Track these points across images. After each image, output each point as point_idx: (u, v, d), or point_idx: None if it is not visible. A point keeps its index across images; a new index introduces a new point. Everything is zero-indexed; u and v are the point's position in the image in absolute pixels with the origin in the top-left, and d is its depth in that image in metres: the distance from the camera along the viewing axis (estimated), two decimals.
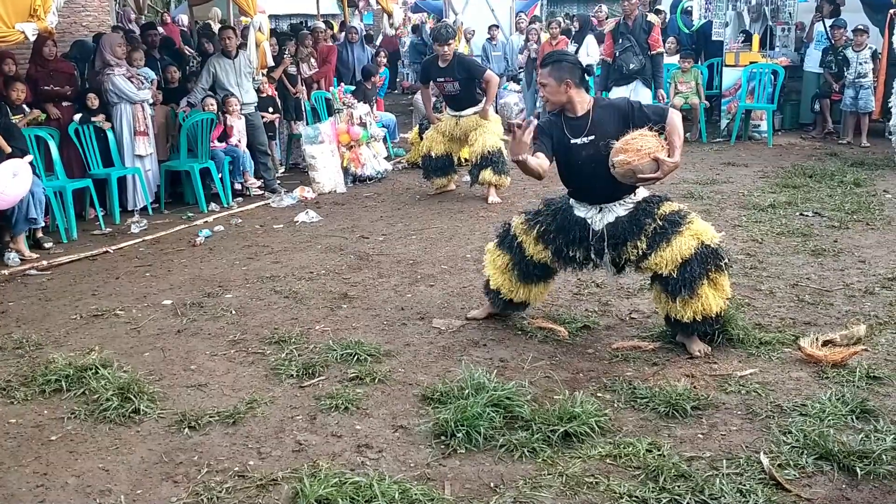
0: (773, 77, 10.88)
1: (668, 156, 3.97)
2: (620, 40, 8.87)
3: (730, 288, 4.19)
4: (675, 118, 4.13)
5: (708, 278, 4.03)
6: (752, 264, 5.64)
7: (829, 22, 11.20)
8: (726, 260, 4.13)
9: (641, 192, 4.29)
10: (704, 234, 4.06)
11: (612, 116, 4.19)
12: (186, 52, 11.21)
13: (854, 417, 3.42)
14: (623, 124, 4.11)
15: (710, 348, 4.18)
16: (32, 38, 6.42)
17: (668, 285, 4.08)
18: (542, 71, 4.24)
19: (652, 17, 9.68)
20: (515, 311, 4.74)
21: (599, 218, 4.27)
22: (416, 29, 18.92)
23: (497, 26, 14.61)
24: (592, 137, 4.17)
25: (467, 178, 8.35)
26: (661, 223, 4.09)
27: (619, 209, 4.24)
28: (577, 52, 12.52)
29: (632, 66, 9.44)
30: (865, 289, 5.07)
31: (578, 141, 4.20)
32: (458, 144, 8.30)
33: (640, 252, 4.13)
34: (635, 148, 3.96)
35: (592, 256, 4.32)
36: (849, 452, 3.10)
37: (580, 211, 4.34)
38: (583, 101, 4.24)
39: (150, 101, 8.30)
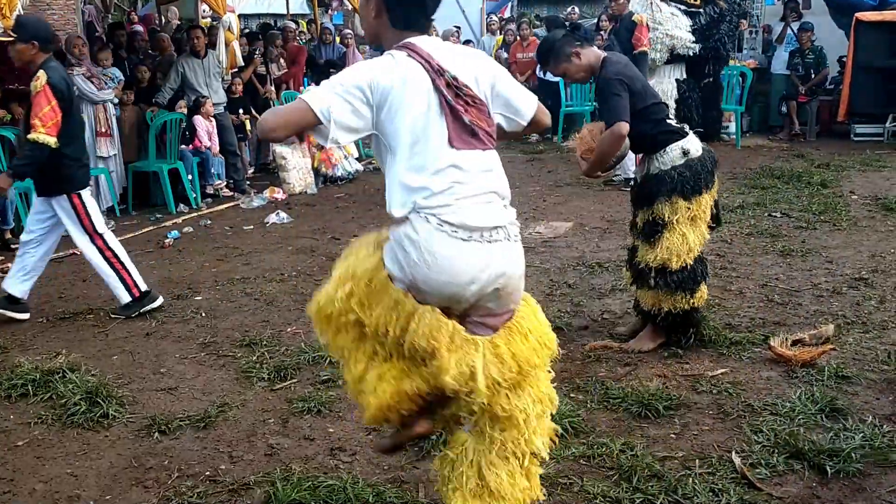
0: (741, 79, 10.99)
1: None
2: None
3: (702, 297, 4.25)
4: (605, 136, 3.90)
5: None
6: (722, 265, 5.69)
7: (795, 25, 11.35)
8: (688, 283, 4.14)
9: (670, 156, 4.00)
10: (669, 259, 4.06)
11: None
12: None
13: (823, 416, 3.46)
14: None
15: (651, 347, 4.21)
16: None
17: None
18: (548, 68, 4.14)
19: (637, 16, 9.68)
20: None
21: (638, 170, 4.27)
22: None
23: (458, 27, 14.40)
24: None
25: None
26: (651, 219, 4.08)
27: (652, 164, 4.04)
28: None
29: None
30: (833, 289, 5.13)
31: None
32: None
33: (639, 227, 4.18)
34: (578, 138, 4.14)
35: (632, 208, 4.28)
36: (819, 451, 3.14)
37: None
38: (592, 61, 4.00)
39: (115, 101, 8.18)
